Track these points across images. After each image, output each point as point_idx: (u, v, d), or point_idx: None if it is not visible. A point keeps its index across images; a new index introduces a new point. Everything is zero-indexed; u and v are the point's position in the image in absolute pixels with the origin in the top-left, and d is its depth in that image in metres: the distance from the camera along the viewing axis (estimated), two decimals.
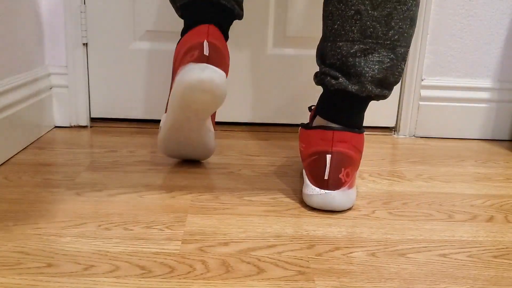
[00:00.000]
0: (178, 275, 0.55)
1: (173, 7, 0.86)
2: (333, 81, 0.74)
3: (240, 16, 0.84)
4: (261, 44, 1.14)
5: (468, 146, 1.14)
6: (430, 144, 1.14)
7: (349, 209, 0.74)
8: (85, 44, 1.11)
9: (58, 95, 1.11)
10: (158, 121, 1.17)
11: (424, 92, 1.17)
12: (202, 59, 0.72)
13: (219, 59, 0.75)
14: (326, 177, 0.71)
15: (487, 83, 1.17)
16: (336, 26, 0.73)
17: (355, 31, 0.71)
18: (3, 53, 0.89)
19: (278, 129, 1.19)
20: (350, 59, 0.72)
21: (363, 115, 0.78)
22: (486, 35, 1.14)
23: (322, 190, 0.71)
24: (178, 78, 0.73)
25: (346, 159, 0.72)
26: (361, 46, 0.72)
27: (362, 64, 0.72)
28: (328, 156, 0.72)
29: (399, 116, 1.19)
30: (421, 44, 1.14)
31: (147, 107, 1.16)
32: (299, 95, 1.17)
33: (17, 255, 0.57)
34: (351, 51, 0.72)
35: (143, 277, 0.54)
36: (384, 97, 0.75)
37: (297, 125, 1.20)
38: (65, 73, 1.11)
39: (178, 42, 0.81)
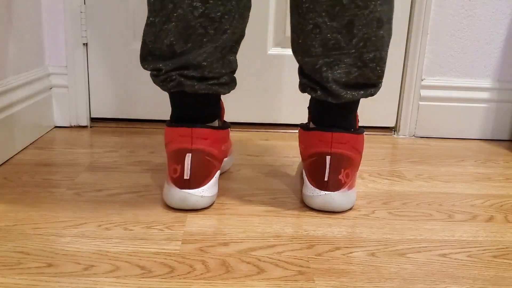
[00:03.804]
0: (178, 275, 0.55)
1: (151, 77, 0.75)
2: (313, 94, 0.73)
3: (233, 88, 0.76)
4: (261, 44, 1.14)
5: (468, 146, 1.14)
6: (430, 144, 1.14)
7: (349, 209, 0.74)
8: (85, 44, 1.11)
9: (58, 95, 1.11)
10: (158, 121, 1.17)
11: (424, 92, 1.17)
12: (183, 183, 0.69)
13: (202, 171, 0.70)
14: (326, 179, 0.71)
15: (486, 83, 1.17)
16: (300, 41, 0.70)
17: (317, 45, 0.68)
18: (3, 53, 0.89)
19: (278, 129, 1.19)
20: (317, 74, 0.70)
21: (354, 115, 0.76)
22: (486, 35, 1.14)
23: (322, 191, 0.71)
24: (164, 191, 0.72)
25: (346, 160, 0.72)
26: (326, 59, 0.69)
27: (330, 78, 0.69)
28: (328, 158, 0.72)
29: (399, 116, 1.19)
30: (421, 44, 1.14)
31: (147, 107, 1.16)
32: (299, 95, 1.17)
33: (17, 255, 0.57)
34: (316, 67, 0.70)
35: (143, 277, 0.54)
36: (371, 94, 0.72)
37: (297, 125, 1.20)
38: (65, 73, 1.11)
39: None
